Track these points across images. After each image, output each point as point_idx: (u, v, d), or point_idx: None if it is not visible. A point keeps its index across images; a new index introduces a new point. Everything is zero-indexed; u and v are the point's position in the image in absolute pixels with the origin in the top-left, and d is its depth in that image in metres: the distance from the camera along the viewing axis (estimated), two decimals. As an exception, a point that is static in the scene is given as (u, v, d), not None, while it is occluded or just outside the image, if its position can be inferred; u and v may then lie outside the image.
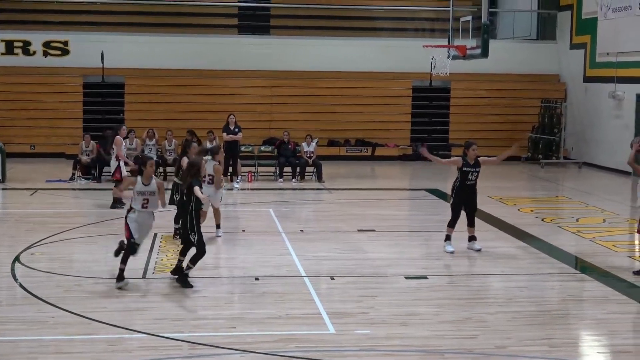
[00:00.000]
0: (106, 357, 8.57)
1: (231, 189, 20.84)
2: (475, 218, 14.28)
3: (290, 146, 23.41)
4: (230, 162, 22.11)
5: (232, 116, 22.52)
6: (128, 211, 11.57)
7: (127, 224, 11.43)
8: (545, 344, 9.25)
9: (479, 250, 13.95)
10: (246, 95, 28.39)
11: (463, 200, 13.92)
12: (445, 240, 13.92)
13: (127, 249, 11.32)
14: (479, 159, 14.21)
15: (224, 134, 22.25)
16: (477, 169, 14.05)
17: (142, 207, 11.47)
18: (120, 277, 11.20)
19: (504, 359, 8.79)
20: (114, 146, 18.64)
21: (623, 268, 13.10)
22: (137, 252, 11.51)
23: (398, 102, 29.33)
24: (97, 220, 16.57)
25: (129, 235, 11.35)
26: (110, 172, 22.18)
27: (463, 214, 13.99)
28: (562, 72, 29.97)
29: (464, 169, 13.94)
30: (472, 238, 14.13)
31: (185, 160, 14.79)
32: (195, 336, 9.25)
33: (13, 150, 24.60)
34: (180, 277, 11.32)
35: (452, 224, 13.93)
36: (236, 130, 22.23)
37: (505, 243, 15.02)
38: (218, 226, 14.86)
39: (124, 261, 11.25)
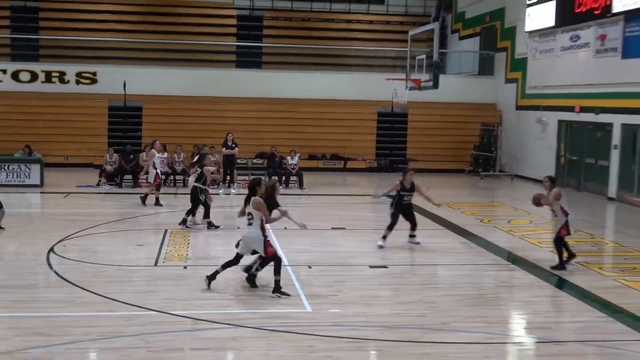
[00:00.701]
0: (124, 330, 8.55)
1: (229, 194, 20.76)
2: (427, 219, 14.32)
3: (277, 159, 23.43)
4: (228, 172, 22.16)
5: (230, 134, 22.52)
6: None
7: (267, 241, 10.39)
8: (482, 321, 9.30)
9: (418, 243, 14.04)
10: (241, 117, 28.32)
11: (400, 212, 14.03)
12: (382, 238, 13.89)
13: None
14: (416, 184, 14.22)
15: (223, 148, 22.24)
16: (412, 193, 14.13)
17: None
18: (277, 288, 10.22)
19: (448, 333, 8.83)
20: (146, 157, 18.99)
21: (545, 260, 13.14)
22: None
23: (365, 125, 29.33)
24: (119, 219, 16.46)
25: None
26: (131, 179, 22.41)
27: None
28: (499, 101, 30.08)
29: (401, 192, 14.05)
30: (412, 235, 14.20)
31: (207, 169, 15.25)
32: (197, 313, 9.23)
33: (50, 161, 24.38)
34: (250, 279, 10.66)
35: (390, 228, 13.90)
36: (233, 145, 22.22)
37: (451, 239, 15.08)
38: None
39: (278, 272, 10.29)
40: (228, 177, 22.19)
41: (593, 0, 22.22)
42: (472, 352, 8.23)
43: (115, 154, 22.61)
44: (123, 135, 27.49)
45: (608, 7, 21.39)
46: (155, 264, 12.03)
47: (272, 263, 10.30)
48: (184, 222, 15.35)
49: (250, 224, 10.45)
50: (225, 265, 10.64)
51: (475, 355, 8.16)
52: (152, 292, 10.25)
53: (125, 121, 28.04)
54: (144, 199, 18.30)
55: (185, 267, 11.84)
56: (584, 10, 22.80)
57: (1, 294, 10.02)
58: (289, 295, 10.17)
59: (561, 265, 12.27)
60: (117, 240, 14.15)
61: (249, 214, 10.50)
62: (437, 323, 9.19)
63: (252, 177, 12.74)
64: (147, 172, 19.47)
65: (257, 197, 10.41)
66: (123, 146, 23.72)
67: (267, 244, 10.30)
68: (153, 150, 18.86)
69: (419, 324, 9.13)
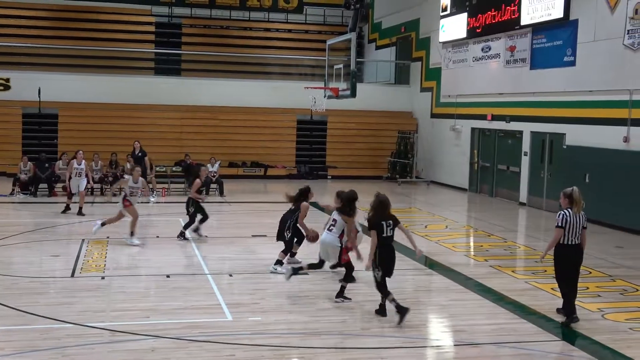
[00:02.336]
0: (39, 344, 8.20)
1: (147, 202, 20.31)
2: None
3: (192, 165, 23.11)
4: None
5: (136, 142, 22.07)
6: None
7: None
8: (401, 325, 9.31)
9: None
10: (161, 125, 27.88)
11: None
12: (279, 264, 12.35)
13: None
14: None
15: (130, 158, 21.98)
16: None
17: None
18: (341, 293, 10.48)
19: (368, 338, 8.84)
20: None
21: (461, 264, 13.41)
22: None
23: (285, 132, 29.33)
24: (34, 229, 15.91)
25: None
26: (46, 188, 21.66)
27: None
28: (414, 109, 30.57)
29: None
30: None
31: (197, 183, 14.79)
32: (114, 325, 8.97)
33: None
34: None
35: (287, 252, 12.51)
36: (139, 154, 21.70)
37: (369, 245, 15.08)
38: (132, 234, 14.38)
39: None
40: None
41: (503, 13, 22.85)
42: (392, 356, 8.27)
43: (29, 163, 21.84)
44: (38, 143, 26.60)
45: (517, 19, 22.04)
46: (72, 275, 11.62)
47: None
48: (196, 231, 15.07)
49: (330, 230, 10.70)
50: (310, 267, 11.02)
51: (396, 359, 8.19)
52: (69, 304, 9.90)
53: (40, 129, 27.17)
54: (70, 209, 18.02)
55: (102, 278, 11.49)
56: (494, 22, 23.42)
57: None
58: (350, 299, 10.41)
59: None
60: (32, 251, 13.64)
61: (334, 220, 10.75)
62: (357, 329, 9.22)
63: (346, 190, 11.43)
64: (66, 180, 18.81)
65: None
66: (38, 154, 22.95)
67: (343, 251, 10.70)
68: (73, 160, 18.45)
69: (339, 330, 9.12)
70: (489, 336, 9.11)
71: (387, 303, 9.53)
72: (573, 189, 9.90)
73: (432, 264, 13.49)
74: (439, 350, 8.79)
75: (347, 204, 10.86)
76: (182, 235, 14.90)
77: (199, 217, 15.03)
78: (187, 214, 15.06)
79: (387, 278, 9.56)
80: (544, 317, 10.01)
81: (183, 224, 15.17)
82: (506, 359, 8.52)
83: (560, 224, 9.62)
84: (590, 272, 12.85)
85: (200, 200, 14.94)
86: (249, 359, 7.97)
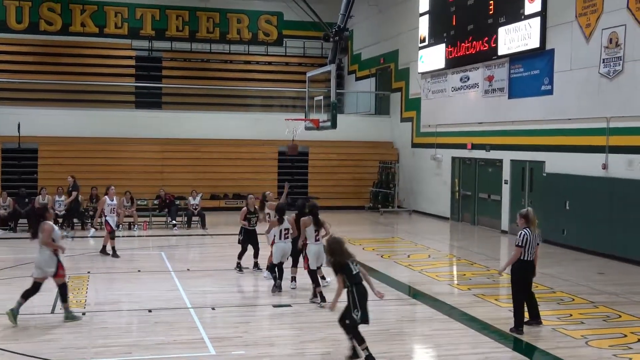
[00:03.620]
0: None
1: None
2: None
3: (168, 200, 23.03)
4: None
5: (69, 177, 22.19)
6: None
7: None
8: (385, 357, 9.25)
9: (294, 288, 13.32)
10: (141, 159, 27.83)
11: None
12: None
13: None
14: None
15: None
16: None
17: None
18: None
19: (353, 371, 8.78)
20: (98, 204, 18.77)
21: (444, 293, 13.39)
22: None
23: (266, 163, 29.35)
24: (13, 265, 15.73)
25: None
26: (26, 223, 21.43)
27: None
28: (395, 139, 30.74)
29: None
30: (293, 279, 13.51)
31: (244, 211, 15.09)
32: (96, 362, 8.86)
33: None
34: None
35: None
36: (70, 189, 21.80)
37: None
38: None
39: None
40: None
41: (481, 43, 23.14)
42: (376, 388, 8.22)
43: (9, 198, 21.68)
44: (17, 177, 26.42)
45: (494, 49, 22.32)
46: (52, 311, 11.49)
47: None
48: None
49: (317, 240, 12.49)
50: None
51: (380, 391, 8.15)
52: (50, 340, 9.77)
53: (20, 163, 27.01)
54: (105, 249, 17.19)
55: (83, 314, 11.34)
56: (472, 52, 23.71)
57: None
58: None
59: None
60: (11, 288, 13.43)
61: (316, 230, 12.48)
62: (342, 360, 9.15)
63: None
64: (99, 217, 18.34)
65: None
66: (17, 189, 22.79)
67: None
68: (105, 197, 17.77)
69: (324, 362, 9.06)
70: (474, 365, 9.08)
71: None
72: (527, 210, 10.84)
73: (415, 294, 13.47)
74: (424, 380, 8.74)
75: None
76: (238, 266, 14.95)
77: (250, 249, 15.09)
78: (238, 243, 15.20)
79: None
80: (529, 345, 10.01)
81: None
82: (491, 389, 8.49)
83: (520, 244, 10.44)
84: (574, 299, 12.89)
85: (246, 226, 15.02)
86: (232, 393, 7.89)
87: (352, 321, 8.89)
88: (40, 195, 22.16)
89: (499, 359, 9.37)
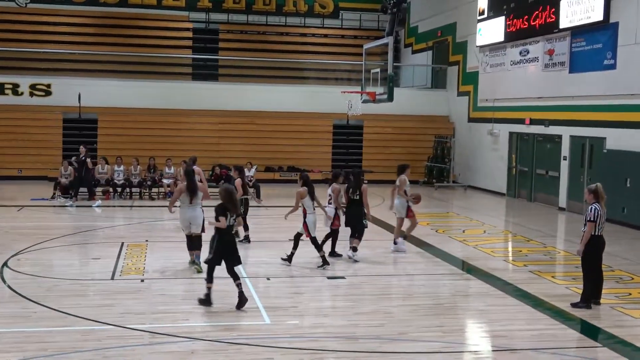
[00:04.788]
0: (81, 345, 8.32)
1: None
2: (383, 229, 14.27)
3: (223, 175, 23.22)
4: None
5: (81, 147, 21.84)
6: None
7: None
8: (438, 330, 9.30)
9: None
10: (198, 130, 28.13)
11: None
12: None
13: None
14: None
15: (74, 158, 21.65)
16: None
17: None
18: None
19: (406, 343, 8.78)
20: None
21: (499, 269, 13.28)
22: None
23: (321, 137, 29.39)
24: (73, 232, 16.16)
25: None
26: (86, 192, 21.94)
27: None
28: (451, 114, 30.40)
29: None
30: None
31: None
32: (154, 327, 9.06)
33: (3, 174, 23.94)
34: None
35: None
36: (83, 157, 21.31)
37: (407, 249, 15.06)
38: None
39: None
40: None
41: (541, 16, 22.64)
42: (429, 361, 8.24)
43: (70, 167, 22.19)
44: (78, 147, 26.99)
45: (555, 23, 21.81)
46: (112, 278, 11.79)
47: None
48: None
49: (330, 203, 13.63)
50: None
51: (433, 364, 8.16)
52: (109, 306, 10.03)
53: (80, 133, 27.57)
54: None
55: (142, 281, 11.61)
56: (532, 25, 23.21)
57: (-48, 310, 9.73)
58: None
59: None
60: (72, 254, 13.87)
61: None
62: (395, 333, 9.16)
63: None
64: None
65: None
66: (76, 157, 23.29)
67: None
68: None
69: (377, 334, 9.09)
70: (529, 342, 9.00)
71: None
72: (597, 185, 10.70)
73: (469, 269, 13.39)
74: (477, 355, 8.71)
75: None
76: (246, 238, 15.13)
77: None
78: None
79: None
80: (586, 323, 9.88)
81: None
82: (546, 365, 8.41)
83: (592, 218, 10.39)
84: (633, 278, 12.67)
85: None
86: (287, 362, 8.00)
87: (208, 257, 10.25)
88: (99, 165, 22.69)
89: (555, 336, 9.28)
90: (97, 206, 20.52)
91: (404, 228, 15.03)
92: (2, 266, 12.27)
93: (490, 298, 11.19)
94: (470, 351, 8.84)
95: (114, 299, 10.46)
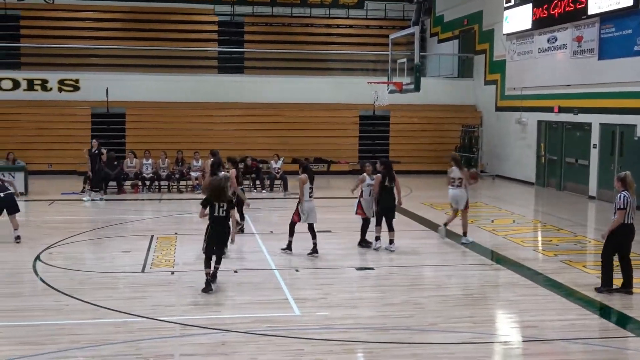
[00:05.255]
0: (113, 337, 8.42)
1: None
2: (412, 220, 14.21)
3: (253, 167, 23.32)
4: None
5: (94, 140, 21.76)
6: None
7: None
8: (469, 321, 9.28)
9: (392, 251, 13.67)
10: (225, 122, 28.25)
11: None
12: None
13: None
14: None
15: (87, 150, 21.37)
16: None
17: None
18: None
19: (436, 334, 8.77)
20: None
21: (529, 259, 13.20)
22: None
23: (348, 128, 29.35)
24: (103, 225, 16.32)
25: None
26: (115, 185, 22.15)
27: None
28: (478, 103, 30.19)
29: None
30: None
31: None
32: (185, 319, 9.13)
33: (33, 169, 24.20)
34: None
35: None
36: (95, 151, 21.09)
37: (436, 240, 15.02)
38: None
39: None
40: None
41: (569, 3, 22.36)
42: (460, 352, 8.19)
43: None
44: (106, 142, 27.20)
45: (584, 9, 21.53)
46: (143, 270, 11.90)
47: None
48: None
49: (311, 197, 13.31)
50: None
51: (464, 355, 8.11)
52: (140, 298, 10.13)
53: (109, 127, 27.84)
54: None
55: (172, 273, 11.71)
56: (560, 12, 22.94)
57: (-13, 303, 9.88)
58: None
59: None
60: (103, 247, 14.02)
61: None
62: (425, 324, 9.15)
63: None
64: None
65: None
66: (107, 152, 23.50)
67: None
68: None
69: (407, 325, 9.08)
70: (560, 332, 8.94)
71: None
72: (626, 173, 10.74)
73: (499, 259, 13.31)
74: (507, 346, 8.67)
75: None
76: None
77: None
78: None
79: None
80: (618, 313, 9.79)
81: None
82: (578, 356, 8.33)
83: (622, 206, 10.37)
84: (665, 267, 12.50)
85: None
86: (317, 353, 8.01)
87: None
88: (127, 159, 22.88)
89: (586, 326, 9.21)
90: (95, 200, 20.44)
91: (445, 220, 15.06)
92: (35, 260, 12.44)
93: (520, 288, 11.12)
94: (501, 342, 8.80)
95: (144, 291, 10.56)
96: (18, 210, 14.31)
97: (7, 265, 12.35)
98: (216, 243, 10.74)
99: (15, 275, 11.57)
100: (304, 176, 13.29)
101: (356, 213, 14.20)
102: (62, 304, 9.79)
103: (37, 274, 11.49)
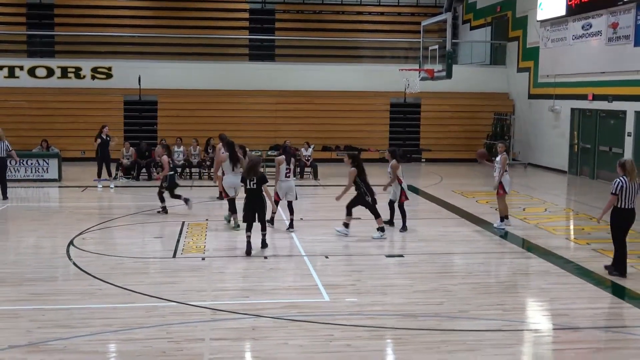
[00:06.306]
0: (144, 321, 8.52)
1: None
2: (442, 207, 14.14)
3: (291, 151, 23.31)
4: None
5: (105, 127, 21.44)
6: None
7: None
8: (499, 309, 9.22)
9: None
10: (255, 110, 28.35)
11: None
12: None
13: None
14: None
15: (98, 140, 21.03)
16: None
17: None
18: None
19: (466, 321, 8.73)
20: None
21: (561, 247, 13.09)
22: None
23: (378, 115, 29.28)
24: (135, 212, 16.49)
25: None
26: (145, 173, 22.39)
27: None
28: (511, 90, 29.91)
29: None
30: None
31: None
32: (216, 304, 9.22)
33: (67, 156, 24.54)
34: None
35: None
36: (106, 138, 20.95)
37: (466, 228, 14.96)
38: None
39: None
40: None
41: (605, -12, 22.02)
42: (490, 339, 8.16)
43: (131, 148, 22.68)
44: (138, 129, 27.57)
45: (620, -6, 21.20)
46: (174, 256, 12.03)
47: None
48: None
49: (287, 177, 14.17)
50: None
51: (494, 342, 8.08)
52: (172, 283, 10.24)
53: (141, 115, 28.10)
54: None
55: (203, 259, 11.82)
56: (595, -2, 22.60)
57: (23, 286, 10.06)
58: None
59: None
60: (134, 233, 14.17)
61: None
62: (454, 311, 9.12)
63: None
64: None
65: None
66: (139, 142, 23.76)
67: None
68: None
69: (436, 312, 9.07)
70: (591, 320, 8.87)
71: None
72: (626, 159, 11.08)
73: (530, 247, 13.21)
74: (538, 334, 8.61)
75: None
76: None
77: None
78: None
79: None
80: (650, 302, 9.68)
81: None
82: (609, 344, 8.26)
83: (614, 191, 10.72)
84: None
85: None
86: (346, 339, 8.04)
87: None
88: (159, 146, 23.05)
89: (618, 315, 9.14)
90: (107, 187, 20.63)
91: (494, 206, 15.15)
92: (69, 245, 12.64)
93: (551, 276, 11.03)
94: (531, 329, 8.74)
95: (175, 276, 10.67)
96: None
97: (42, 250, 12.58)
98: (252, 211, 12.02)
99: (50, 260, 11.72)
100: (281, 157, 14.31)
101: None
102: (95, 288, 9.94)
103: (70, 259, 11.67)
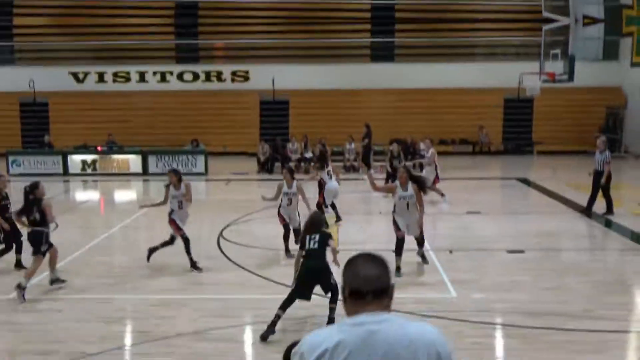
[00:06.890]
0: (292, 313, 8.38)
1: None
2: (561, 203, 13.60)
3: (412, 147, 23.14)
4: None
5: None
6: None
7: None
8: (624, 309, 8.78)
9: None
10: (377, 107, 28.27)
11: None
12: None
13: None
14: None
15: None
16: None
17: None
18: None
19: (591, 321, 8.33)
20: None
21: (681, 245, 12.35)
22: None
23: (492, 110, 28.54)
24: (277, 205, 16.71)
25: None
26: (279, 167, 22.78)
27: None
28: (624, 85, 28.36)
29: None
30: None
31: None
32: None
33: (211, 150, 25.37)
34: None
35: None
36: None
37: (584, 223, 14.33)
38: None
39: None
40: None
41: None
42: (616, 340, 7.77)
43: (266, 144, 23.18)
44: (273, 126, 28.12)
45: None
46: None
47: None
48: None
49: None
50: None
51: (620, 344, 7.71)
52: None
53: (274, 114, 28.66)
54: None
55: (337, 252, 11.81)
56: None
57: (183, 276, 10.47)
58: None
59: None
60: (275, 226, 14.32)
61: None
62: (579, 310, 8.75)
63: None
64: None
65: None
66: (274, 138, 24.24)
67: None
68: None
69: (561, 310, 8.72)
70: None
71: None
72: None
73: (650, 244, 12.53)
74: (664, 335, 8.17)
75: None
76: None
77: None
78: None
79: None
80: None
81: None
82: None
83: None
84: None
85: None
86: (476, 336, 7.89)
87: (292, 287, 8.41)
88: (290, 142, 23.47)
89: None
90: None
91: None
92: (218, 236, 13.02)
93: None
94: (657, 331, 8.29)
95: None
96: (40, 252, 9.63)
97: (197, 241, 12.89)
98: (308, 283, 8.28)
99: (204, 251, 11.97)
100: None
101: None
102: (244, 279, 10.19)
103: (221, 250, 12.01)
